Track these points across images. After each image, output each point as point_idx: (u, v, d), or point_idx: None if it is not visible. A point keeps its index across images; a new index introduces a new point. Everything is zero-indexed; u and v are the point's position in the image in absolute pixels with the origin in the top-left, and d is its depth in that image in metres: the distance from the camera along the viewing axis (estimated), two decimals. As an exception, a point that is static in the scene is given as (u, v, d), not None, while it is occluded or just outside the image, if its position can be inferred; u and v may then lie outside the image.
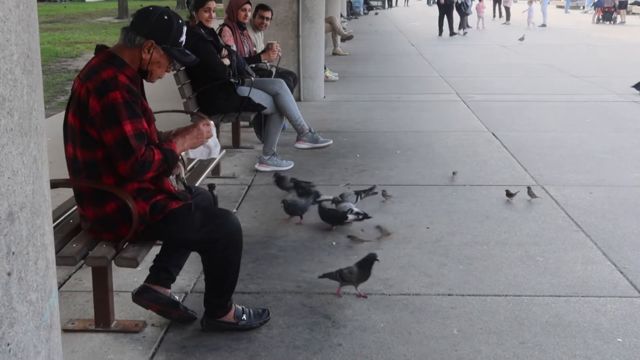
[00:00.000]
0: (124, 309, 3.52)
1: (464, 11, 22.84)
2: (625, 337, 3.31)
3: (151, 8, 3.11)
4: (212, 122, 3.38)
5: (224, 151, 5.24)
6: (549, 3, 28.61)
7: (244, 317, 3.34)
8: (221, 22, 7.11)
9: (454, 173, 5.92)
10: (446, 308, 3.61)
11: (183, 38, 3.16)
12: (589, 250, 4.38)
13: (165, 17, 3.06)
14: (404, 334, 3.33)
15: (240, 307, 3.36)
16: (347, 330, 3.36)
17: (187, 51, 3.21)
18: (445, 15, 21.83)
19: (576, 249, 4.40)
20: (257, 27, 7.52)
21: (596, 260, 4.22)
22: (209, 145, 3.37)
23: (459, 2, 22.45)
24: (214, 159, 4.27)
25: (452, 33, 21.76)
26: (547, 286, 3.87)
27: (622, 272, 4.04)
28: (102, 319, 3.32)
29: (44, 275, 1.73)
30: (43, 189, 1.70)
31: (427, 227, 4.77)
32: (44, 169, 1.71)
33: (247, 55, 6.95)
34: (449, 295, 3.76)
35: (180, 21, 3.15)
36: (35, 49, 1.67)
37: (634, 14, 33.65)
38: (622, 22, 28.82)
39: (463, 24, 23.09)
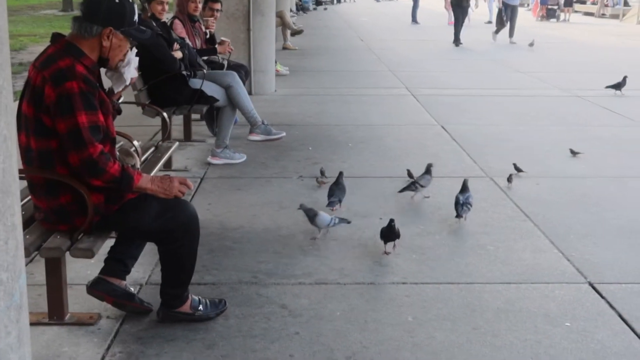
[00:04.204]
0: (78, 301, 3.47)
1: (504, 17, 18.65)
2: (572, 321, 3.42)
3: None
4: (191, 186, 3.26)
5: (177, 143, 5.20)
6: (494, 0, 29.00)
7: (201, 307, 3.33)
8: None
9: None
10: (401, 296, 3.67)
11: (137, 16, 3.14)
12: (537, 239, 4.50)
13: (117, 1, 3.02)
14: (360, 322, 3.37)
15: (196, 298, 3.35)
16: (303, 319, 3.39)
17: (142, 27, 3.19)
18: (460, 19, 17.81)
19: (525, 238, 4.52)
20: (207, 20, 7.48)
21: (544, 248, 4.34)
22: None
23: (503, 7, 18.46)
24: None
25: (457, 41, 17.69)
26: (498, 274, 3.97)
27: (569, 260, 4.17)
28: (56, 312, 3.28)
29: (14, 255, 1.71)
30: (13, 169, 1.68)
31: (380, 218, 4.81)
32: (13, 148, 1.69)
33: (198, 48, 6.92)
34: (403, 283, 3.82)
35: (130, 0, 3.11)
36: (3, 28, 1.65)
37: (575, 11, 34.42)
38: (566, 20, 29.42)
39: (512, 31, 18.57)
